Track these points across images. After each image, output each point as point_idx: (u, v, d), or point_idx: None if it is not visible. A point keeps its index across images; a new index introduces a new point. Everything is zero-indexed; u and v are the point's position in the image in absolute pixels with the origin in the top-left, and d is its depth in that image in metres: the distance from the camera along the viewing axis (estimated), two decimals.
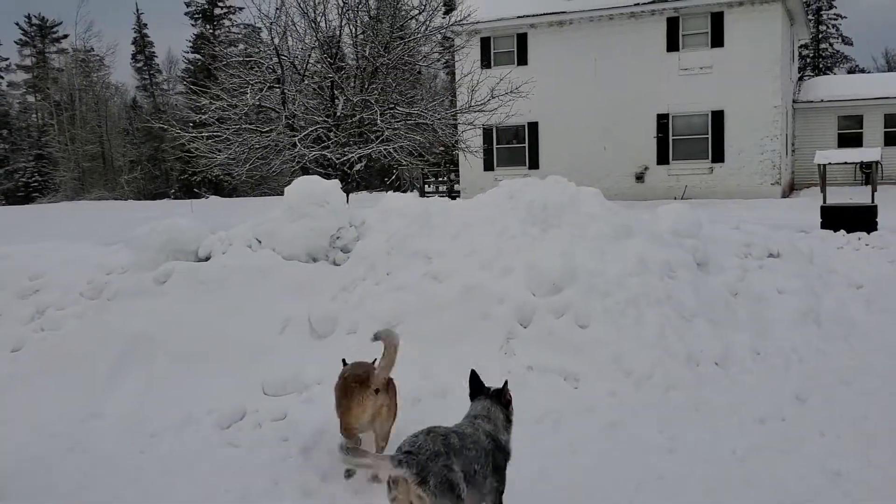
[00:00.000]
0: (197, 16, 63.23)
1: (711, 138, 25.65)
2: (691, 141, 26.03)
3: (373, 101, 18.37)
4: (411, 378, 5.55)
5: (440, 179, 32.04)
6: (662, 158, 26.31)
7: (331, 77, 18.94)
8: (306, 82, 19.61)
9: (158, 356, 6.16)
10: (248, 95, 18.82)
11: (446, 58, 31.55)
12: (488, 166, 28.17)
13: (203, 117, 19.62)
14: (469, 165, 25.41)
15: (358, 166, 18.88)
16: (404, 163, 19.35)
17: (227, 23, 62.31)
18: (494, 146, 28.30)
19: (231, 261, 6.89)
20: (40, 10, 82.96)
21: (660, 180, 26.23)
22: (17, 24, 65.23)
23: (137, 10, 71.16)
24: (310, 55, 20.05)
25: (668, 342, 6.08)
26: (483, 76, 20.90)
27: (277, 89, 19.17)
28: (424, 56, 22.48)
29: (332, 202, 6.93)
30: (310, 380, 5.84)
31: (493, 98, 20.29)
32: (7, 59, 66.66)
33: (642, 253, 6.94)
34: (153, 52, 68.62)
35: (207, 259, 7.09)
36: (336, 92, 19.26)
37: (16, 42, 66.22)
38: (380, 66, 19.37)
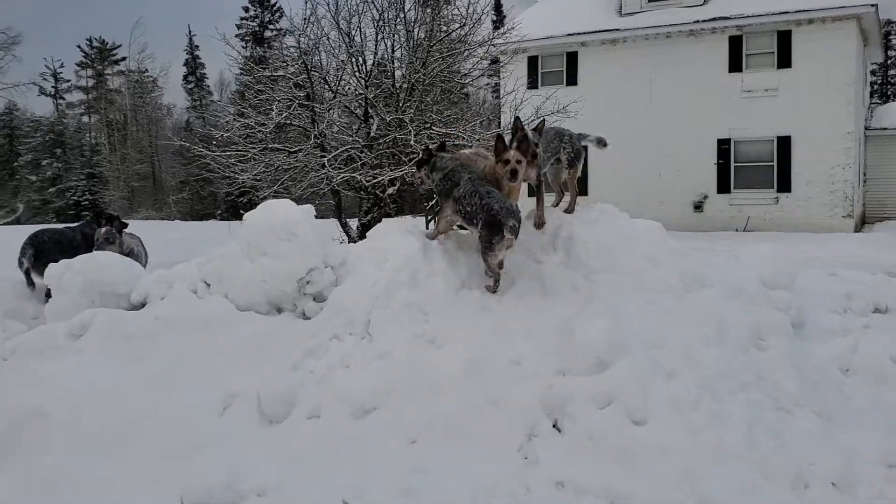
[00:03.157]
0: (248, 38, 63.20)
1: (777, 166, 23.42)
2: (755, 168, 23.81)
3: (407, 121, 16.75)
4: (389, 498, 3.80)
5: None
6: (723, 187, 24.13)
7: (362, 94, 17.37)
8: (337, 99, 18.05)
9: (54, 443, 4.45)
10: (274, 112, 17.38)
11: (491, 77, 30.02)
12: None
13: (226, 135, 18.28)
14: None
15: (391, 189, 17.23)
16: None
17: (276, 45, 62.18)
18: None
19: (167, 311, 5.19)
20: (99, 33, 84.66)
21: (720, 210, 24.05)
22: (78, 46, 67.11)
23: (190, 33, 71.57)
24: (342, 71, 18.52)
25: (761, 449, 4.19)
26: (528, 95, 19.15)
27: (307, 106, 17.67)
28: (465, 74, 20.89)
29: (301, 236, 5.19)
30: (247, 488, 4.10)
31: (539, 118, 18.47)
32: (69, 80, 68.57)
33: (721, 313, 5.08)
34: (204, 74, 69.15)
35: (143, 305, 5.42)
36: (371, 111, 17.69)
37: (76, 64, 67.98)
38: (416, 82, 17.75)
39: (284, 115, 17.39)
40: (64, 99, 69.90)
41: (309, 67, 17.42)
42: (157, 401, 4.71)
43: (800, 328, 5.62)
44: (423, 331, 4.82)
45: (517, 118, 5.76)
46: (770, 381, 4.69)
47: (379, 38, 18.32)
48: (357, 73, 17.91)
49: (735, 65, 23.69)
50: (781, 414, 4.50)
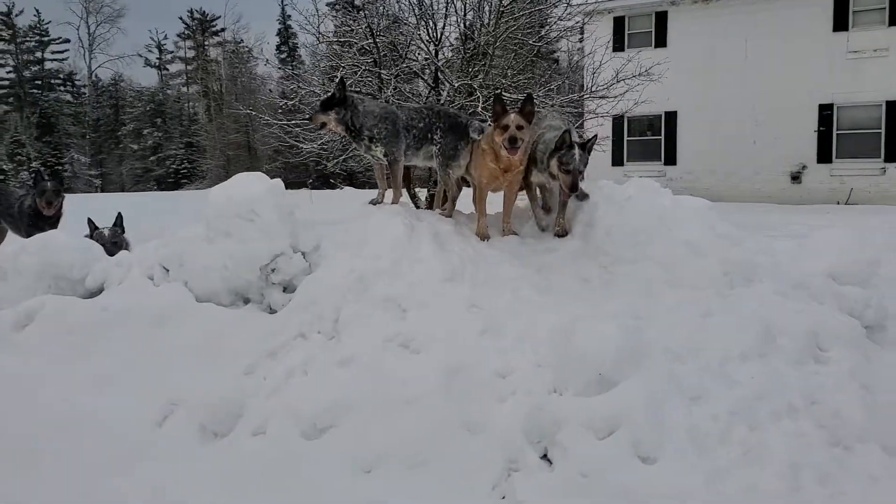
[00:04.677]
0: (338, 7, 63.10)
1: (885, 133, 21.43)
2: (860, 136, 21.87)
3: (476, 87, 15.78)
4: None
5: None
6: (824, 156, 22.27)
7: (429, 59, 16.49)
8: (405, 64, 17.20)
9: None
10: (330, 78, 16.73)
11: (569, 40, 28.60)
12: (617, 160, 25.03)
13: (290, 103, 17.78)
14: (594, 160, 22.34)
15: None
16: None
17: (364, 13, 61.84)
18: (625, 138, 25.07)
19: (117, 301, 4.54)
20: (199, 5, 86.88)
21: (820, 181, 22.23)
22: (180, 18, 71.25)
23: (282, 2, 72.29)
24: (411, 37, 17.63)
25: (806, 497, 3.24)
26: (609, 57, 17.83)
27: (374, 73, 16.92)
28: (542, 36, 19.69)
29: (264, 216, 4.43)
30: None
31: (619, 82, 17.19)
32: (172, 52, 72.39)
33: (770, 315, 4.08)
34: (296, 44, 69.90)
35: (100, 292, 4.80)
36: (440, 76, 16.79)
37: (177, 35, 71.42)
38: (485, 45, 16.72)
39: (350, 81, 16.74)
40: (167, 70, 72.44)
41: (375, 32, 16.66)
42: (91, 405, 4.07)
43: (879, 333, 4.56)
44: (398, 331, 4.01)
45: (566, 131, 4.74)
46: (827, 406, 3.69)
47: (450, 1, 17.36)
48: (428, 38, 17.04)
49: (840, 23, 21.74)
50: (838, 451, 3.51)
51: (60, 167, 58.99)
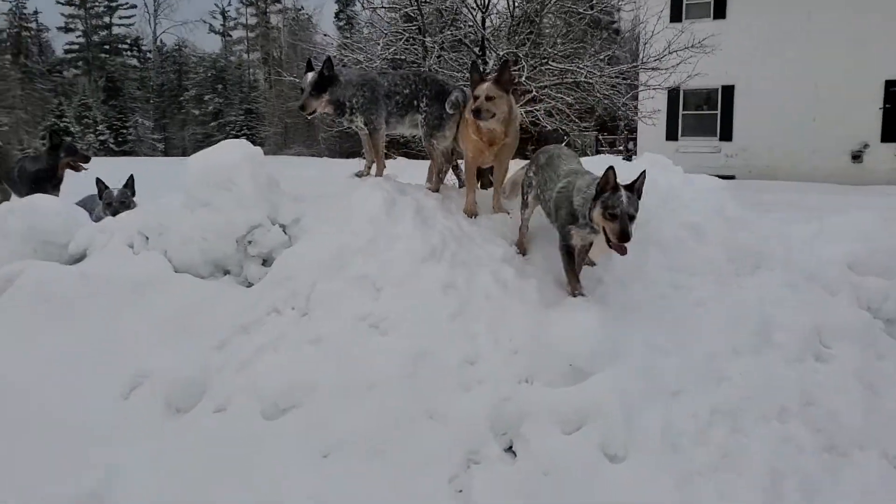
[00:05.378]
0: None
1: None
2: None
3: (521, 56, 15.36)
4: None
5: (616, 148, 28.35)
6: (889, 135, 21.25)
7: (471, 27, 16.11)
8: (449, 32, 16.83)
9: None
10: (379, 47, 16.59)
11: (619, 11, 27.85)
12: (671, 135, 24.29)
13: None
14: (647, 133, 21.82)
15: None
16: (548, 126, 16.18)
17: None
18: (680, 112, 24.30)
19: (96, 268, 4.43)
20: None
21: (882, 161, 21.24)
22: None
23: None
24: (458, 2, 17.22)
25: None
26: (661, 27, 17.16)
27: (417, 41, 16.61)
28: (592, 5, 19.02)
29: (241, 185, 4.26)
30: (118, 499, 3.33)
31: (671, 53, 16.54)
32: (235, 19, 73.60)
33: (770, 306, 3.78)
34: (355, 11, 69.98)
35: (83, 258, 4.71)
36: (486, 44, 16.39)
37: (239, 2, 72.84)
38: (533, 12, 16.25)
39: (392, 49, 16.53)
40: (230, 36, 73.36)
41: None
42: (60, 378, 3.98)
43: None
44: (369, 311, 3.81)
45: (610, 168, 3.79)
46: (823, 408, 3.40)
47: None
48: (475, 5, 16.62)
49: None
50: (831, 458, 3.23)
51: (125, 130, 60.38)
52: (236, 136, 61.75)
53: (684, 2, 23.89)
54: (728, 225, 4.36)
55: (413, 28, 16.80)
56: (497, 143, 4.42)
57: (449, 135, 4.91)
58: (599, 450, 3.14)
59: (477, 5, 16.18)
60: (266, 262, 4.41)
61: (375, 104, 4.86)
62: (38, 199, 4.99)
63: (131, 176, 6.19)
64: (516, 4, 16.07)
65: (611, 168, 3.50)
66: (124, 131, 60.26)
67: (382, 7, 18.60)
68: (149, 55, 72.74)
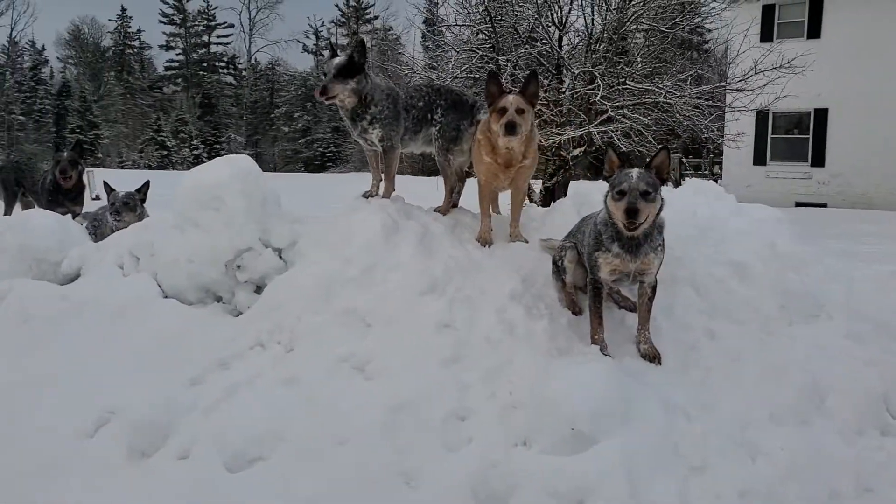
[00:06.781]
0: None
1: None
2: None
3: (597, 74, 14.76)
4: None
5: (701, 172, 27.27)
6: None
7: (545, 44, 15.59)
8: (524, 50, 16.32)
9: None
10: (450, 65, 16.35)
11: (705, 32, 26.94)
12: (759, 159, 23.21)
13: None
14: (734, 157, 20.91)
15: (576, 151, 15.43)
16: (623, 148, 15.46)
17: None
18: (769, 136, 23.17)
19: (81, 290, 4.13)
20: None
21: None
22: (336, 5, 72.48)
23: None
24: (533, 22, 16.68)
25: None
26: (748, 46, 16.23)
27: (491, 59, 16.18)
28: (675, 23, 18.15)
29: (230, 204, 3.88)
30: None
31: (756, 73, 15.61)
32: (326, 39, 76.04)
33: (822, 363, 3.17)
34: (440, 31, 70.96)
35: (77, 278, 4.42)
36: (561, 62, 15.83)
37: (331, 22, 74.07)
38: (612, 30, 15.63)
39: (465, 67, 16.17)
40: (322, 55, 75.41)
41: (493, 16, 15.89)
42: (27, 408, 3.68)
43: None
44: (353, 351, 3.36)
45: (608, 146, 3.43)
46: (888, 496, 2.77)
47: None
48: (550, 22, 16.05)
49: None
50: None
51: (218, 146, 62.19)
52: (323, 154, 63.03)
53: (776, 21, 22.83)
54: (780, 263, 3.75)
55: (486, 45, 16.43)
56: (514, 165, 3.92)
57: (466, 148, 4.44)
58: None
59: (554, 23, 15.70)
60: (260, 289, 4.01)
61: (396, 119, 4.42)
62: (33, 215, 4.77)
63: (147, 181, 5.97)
64: (602, 21, 15.49)
65: (609, 146, 3.13)
66: (217, 146, 62.06)
67: (457, 25, 18.33)
68: (243, 73, 74.88)
